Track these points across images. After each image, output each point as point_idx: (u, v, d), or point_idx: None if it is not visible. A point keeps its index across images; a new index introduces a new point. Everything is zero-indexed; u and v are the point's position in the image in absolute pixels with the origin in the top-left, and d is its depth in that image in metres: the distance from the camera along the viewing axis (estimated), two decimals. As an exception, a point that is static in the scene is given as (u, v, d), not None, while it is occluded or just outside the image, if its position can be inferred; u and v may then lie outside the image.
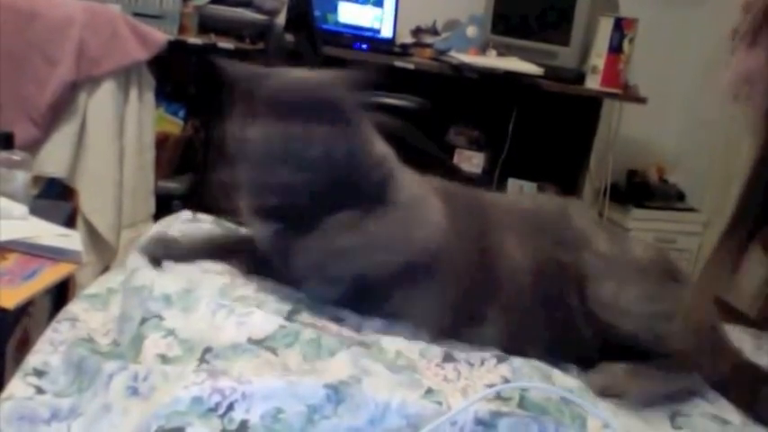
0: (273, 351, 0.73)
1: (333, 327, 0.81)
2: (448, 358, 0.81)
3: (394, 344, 0.80)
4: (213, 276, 0.88)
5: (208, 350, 0.72)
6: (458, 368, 0.79)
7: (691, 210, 3.28)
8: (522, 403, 0.71)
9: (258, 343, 0.74)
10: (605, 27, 2.76)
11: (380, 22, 3.09)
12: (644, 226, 3.07)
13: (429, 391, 0.70)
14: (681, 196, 3.37)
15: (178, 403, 0.62)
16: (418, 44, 3.09)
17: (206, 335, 0.75)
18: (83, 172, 1.88)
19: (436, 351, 0.82)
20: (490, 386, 0.74)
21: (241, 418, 0.62)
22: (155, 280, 0.85)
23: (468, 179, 2.59)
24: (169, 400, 0.62)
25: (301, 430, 0.62)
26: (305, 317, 0.82)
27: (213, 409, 0.62)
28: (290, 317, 0.81)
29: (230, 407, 0.62)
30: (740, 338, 0.99)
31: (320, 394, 0.64)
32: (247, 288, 0.87)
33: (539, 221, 0.95)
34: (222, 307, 0.80)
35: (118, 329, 0.81)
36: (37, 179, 1.68)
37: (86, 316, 0.85)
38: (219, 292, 0.83)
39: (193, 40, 2.36)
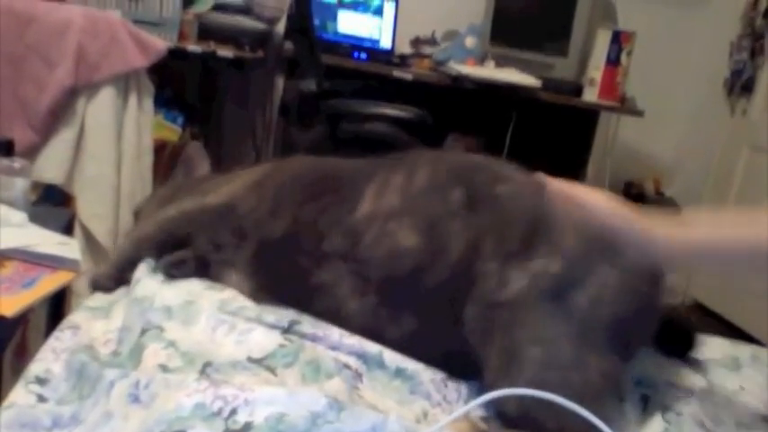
0: (272, 371, 0.74)
1: (334, 337, 0.81)
2: (452, 377, 0.81)
3: (395, 360, 0.80)
4: (213, 292, 0.88)
5: (208, 364, 0.73)
6: (459, 390, 0.79)
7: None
8: None
9: (257, 362, 0.74)
10: (603, 39, 2.77)
11: (380, 32, 3.10)
12: (640, 238, 3.08)
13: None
14: (677, 209, 3.38)
15: (181, 409, 0.62)
16: (417, 54, 3.10)
17: (206, 349, 0.76)
18: (81, 178, 1.87)
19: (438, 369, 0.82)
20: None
21: (245, 420, 0.62)
22: (156, 291, 0.85)
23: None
24: (172, 407, 0.62)
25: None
26: (306, 327, 0.82)
27: (216, 414, 0.62)
28: (290, 327, 0.82)
29: (233, 411, 0.62)
30: (741, 350, 0.99)
31: (322, 402, 0.64)
32: (247, 300, 0.87)
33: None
34: (222, 323, 0.80)
35: (118, 339, 0.81)
36: (34, 185, 1.67)
37: (88, 325, 0.85)
38: (219, 306, 0.83)
39: (193, 47, 2.36)
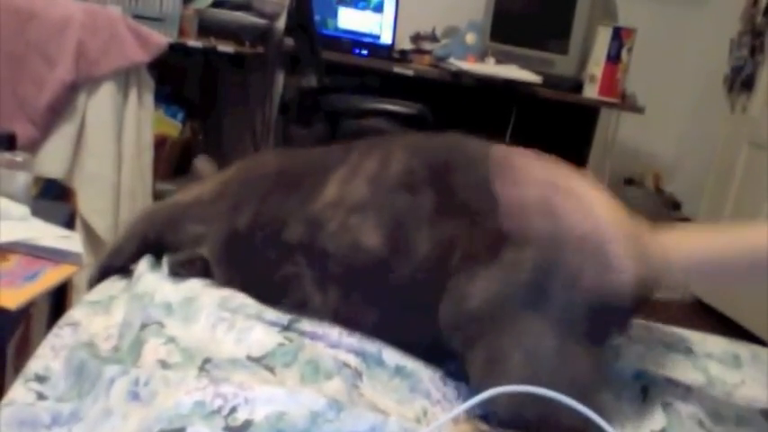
0: (271, 370, 0.73)
1: (333, 335, 0.81)
2: (452, 375, 0.80)
3: (394, 358, 0.80)
4: (213, 289, 0.88)
5: (207, 360, 0.72)
6: (459, 388, 0.79)
7: (686, 219, 3.30)
8: None
9: (257, 361, 0.74)
10: (604, 36, 2.77)
11: (380, 27, 3.10)
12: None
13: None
14: (677, 205, 3.38)
15: (181, 407, 0.62)
16: (417, 50, 3.10)
17: (206, 346, 0.75)
18: (81, 173, 1.87)
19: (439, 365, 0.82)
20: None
21: (245, 418, 0.62)
22: (156, 288, 0.85)
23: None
24: (171, 404, 0.62)
25: (306, 430, 0.62)
26: (305, 325, 0.82)
27: (216, 411, 0.62)
28: (290, 325, 0.81)
29: (233, 409, 0.62)
30: (741, 349, 0.99)
31: (321, 402, 0.64)
32: (247, 298, 0.86)
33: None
34: (222, 320, 0.80)
35: (119, 335, 0.81)
36: (35, 180, 1.68)
37: (88, 321, 0.85)
38: (220, 303, 0.83)
39: (193, 43, 2.36)
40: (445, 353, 0.79)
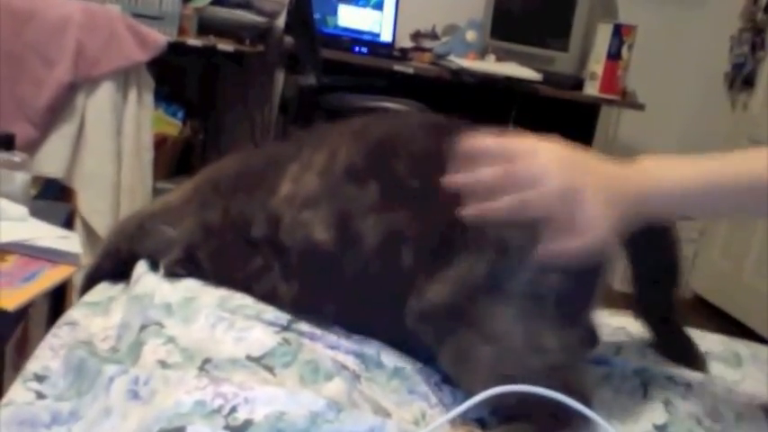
0: (271, 370, 0.73)
1: (332, 336, 0.81)
2: (447, 380, 0.80)
3: (393, 360, 0.80)
4: (212, 289, 0.88)
5: (207, 361, 0.72)
6: (455, 392, 0.79)
7: (687, 216, 3.30)
8: None
9: (256, 360, 0.74)
10: (604, 33, 2.77)
11: (380, 25, 3.10)
12: (640, 232, 3.09)
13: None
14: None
15: (180, 406, 0.62)
16: (417, 48, 3.10)
17: (205, 346, 0.75)
18: (81, 173, 1.88)
19: (436, 370, 0.81)
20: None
21: (245, 417, 0.62)
22: (155, 288, 0.85)
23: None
24: (171, 403, 0.62)
25: (305, 430, 0.62)
26: (303, 326, 0.82)
27: (216, 411, 0.62)
28: (289, 326, 0.81)
29: (233, 409, 0.62)
30: (741, 347, 0.99)
31: (321, 403, 0.64)
32: (246, 298, 0.87)
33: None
34: (222, 320, 0.79)
35: (117, 336, 0.81)
36: (35, 180, 1.68)
37: (87, 321, 0.85)
38: (219, 303, 0.83)
39: (193, 41, 2.36)
40: (409, 349, 0.80)
